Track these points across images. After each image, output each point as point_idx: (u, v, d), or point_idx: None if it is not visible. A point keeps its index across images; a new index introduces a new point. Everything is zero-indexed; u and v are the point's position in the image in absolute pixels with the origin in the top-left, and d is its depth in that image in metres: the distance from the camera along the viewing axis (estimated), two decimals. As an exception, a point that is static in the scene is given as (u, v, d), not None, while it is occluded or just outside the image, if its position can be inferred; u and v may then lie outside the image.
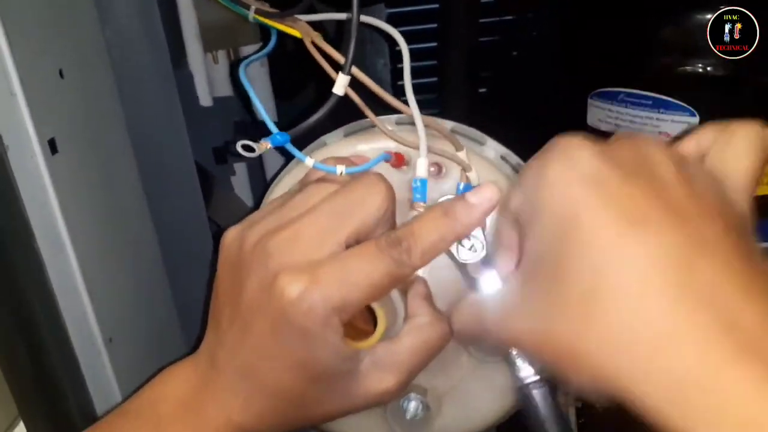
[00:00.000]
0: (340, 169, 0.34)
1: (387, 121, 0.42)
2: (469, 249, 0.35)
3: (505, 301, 0.30)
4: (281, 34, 0.42)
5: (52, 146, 0.37)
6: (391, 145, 0.39)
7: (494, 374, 0.40)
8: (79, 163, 0.40)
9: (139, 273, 0.47)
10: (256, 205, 0.65)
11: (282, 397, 0.33)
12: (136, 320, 0.46)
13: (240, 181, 0.63)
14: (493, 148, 0.42)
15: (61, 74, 0.38)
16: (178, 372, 0.36)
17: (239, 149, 0.33)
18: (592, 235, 0.24)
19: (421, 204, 0.35)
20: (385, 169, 0.37)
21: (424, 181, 0.35)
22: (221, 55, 0.60)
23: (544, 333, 0.27)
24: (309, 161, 0.35)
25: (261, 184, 0.65)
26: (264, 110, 0.36)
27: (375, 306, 0.33)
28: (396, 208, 0.34)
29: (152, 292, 0.49)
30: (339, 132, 0.42)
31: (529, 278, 0.29)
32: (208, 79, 0.58)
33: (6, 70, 0.34)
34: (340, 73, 0.34)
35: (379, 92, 0.36)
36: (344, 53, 0.34)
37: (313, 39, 0.37)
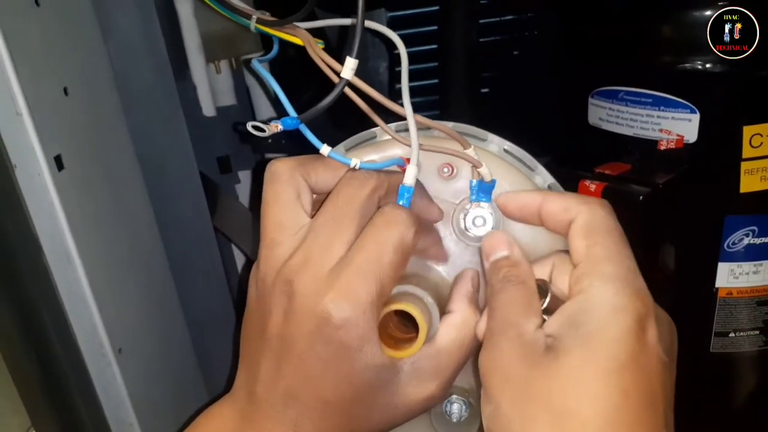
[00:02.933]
0: (355, 162, 0.34)
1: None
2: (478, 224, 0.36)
3: (509, 352, 0.31)
4: (283, 41, 0.43)
5: (58, 163, 0.37)
6: (398, 153, 0.39)
7: None
8: (85, 178, 0.41)
9: (147, 283, 0.48)
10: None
11: (328, 418, 0.33)
12: (144, 330, 0.47)
13: (245, 190, 0.64)
14: (495, 143, 0.42)
15: (65, 92, 0.39)
16: (216, 412, 0.36)
17: (250, 129, 0.33)
18: (612, 387, 0.28)
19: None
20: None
21: (410, 189, 0.34)
22: (223, 65, 0.60)
23: (518, 400, 0.30)
24: (325, 149, 0.34)
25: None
26: (282, 92, 0.35)
27: (414, 313, 0.32)
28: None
29: (160, 301, 0.50)
30: (339, 147, 0.42)
31: (544, 364, 0.30)
32: (210, 89, 0.59)
33: (11, 91, 0.34)
34: (347, 56, 0.34)
35: (379, 98, 0.36)
36: (350, 37, 0.34)
37: (313, 47, 0.38)
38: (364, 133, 0.42)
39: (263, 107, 0.62)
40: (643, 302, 0.29)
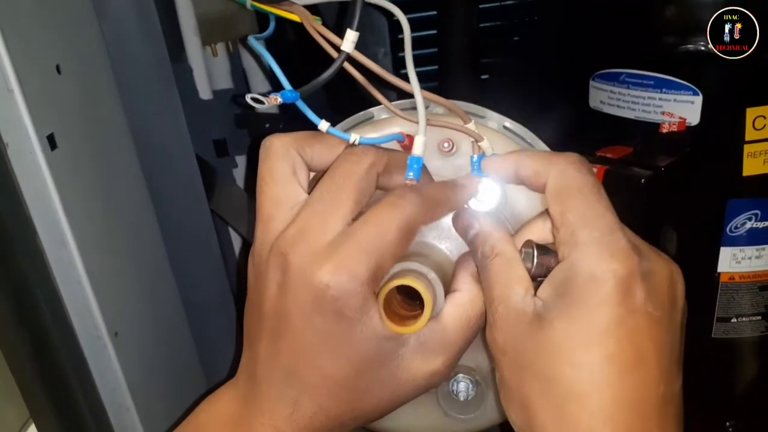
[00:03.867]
0: (354, 137, 0.34)
1: (382, 109, 0.41)
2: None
3: (503, 324, 0.32)
4: (280, 21, 0.42)
5: (51, 142, 0.37)
6: (396, 130, 0.38)
7: None
8: (79, 157, 0.40)
9: (143, 266, 0.48)
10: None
11: (330, 394, 0.32)
12: (140, 313, 0.46)
13: (241, 174, 0.64)
14: (494, 119, 0.42)
15: (58, 70, 0.38)
16: (219, 396, 0.36)
17: (249, 101, 0.33)
18: (605, 351, 0.28)
19: (414, 182, 0.34)
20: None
21: (419, 160, 0.34)
22: (220, 47, 0.60)
23: (517, 369, 0.31)
24: (323, 125, 0.34)
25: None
26: (278, 67, 0.34)
27: (419, 288, 0.32)
28: None
29: (156, 284, 0.50)
30: (336, 128, 0.42)
31: (536, 331, 0.30)
32: (207, 72, 0.58)
33: (3, 68, 0.34)
34: (348, 29, 0.33)
35: (379, 71, 0.35)
36: (350, 9, 0.33)
37: (311, 23, 0.37)
38: (361, 113, 0.42)
39: (260, 90, 0.62)
40: (623, 264, 0.29)
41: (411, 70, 0.35)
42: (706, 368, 0.55)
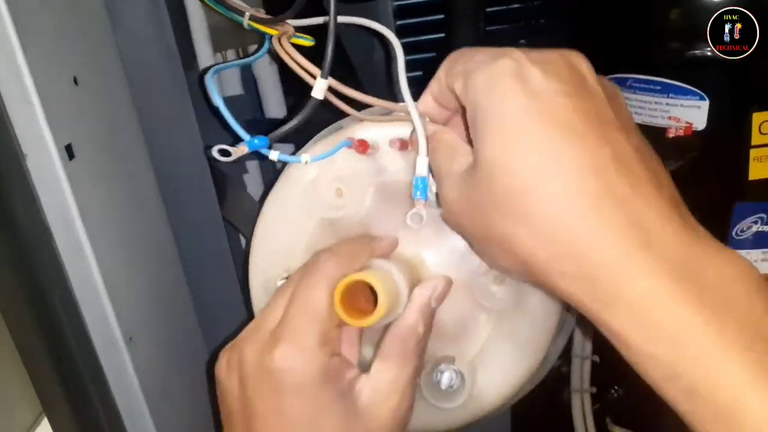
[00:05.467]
0: (305, 158, 0.36)
1: (352, 119, 0.42)
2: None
3: (453, 196, 0.32)
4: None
5: (69, 152, 0.38)
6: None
7: (517, 327, 0.40)
8: (96, 166, 0.41)
9: (157, 273, 0.48)
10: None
11: None
12: (155, 319, 0.47)
13: (253, 180, 0.64)
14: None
15: (75, 81, 0.39)
16: None
17: (215, 154, 0.34)
18: (531, 142, 0.28)
19: (422, 201, 0.35)
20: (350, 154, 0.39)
21: (424, 179, 0.35)
22: (230, 54, 0.60)
23: (484, 228, 0.30)
24: (273, 154, 0.36)
25: (273, 182, 0.66)
26: (234, 120, 0.36)
27: (372, 281, 0.33)
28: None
29: (170, 291, 0.50)
30: (309, 144, 0.43)
31: (474, 176, 0.30)
32: (218, 79, 0.59)
33: (22, 80, 0.34)
34: (318, 77, 0.35)
35: (363, 98, 0.37)
36: (323, 56, 0.35)
37: (286, 50, 0.38)
38: (332, 126, 0.43)
39: (271, 97, 0.62)
40: (509, 59, 0.29)
41: (405, 89, 0.36)
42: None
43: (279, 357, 0.32)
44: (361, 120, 0.40)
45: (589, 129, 0.27)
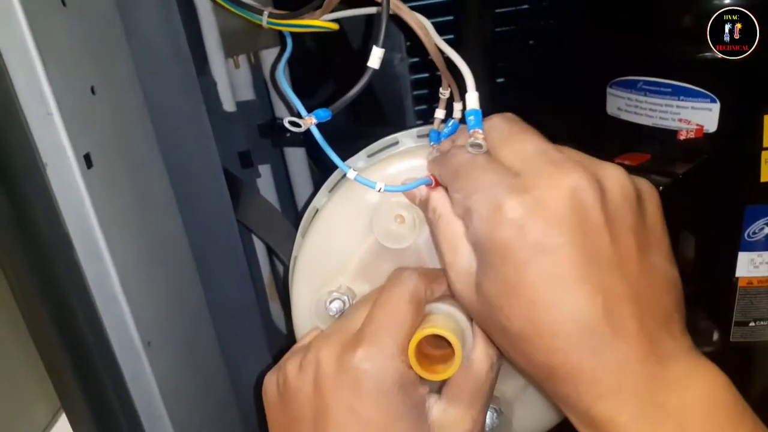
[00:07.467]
0: (380, 186, 0.35)
1: (408, 135, 0.42)
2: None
3: (461, 287, 0.33)
4: (296, 34, 0.43)
5: (87, 161, 0.38)
6: (422, 163, 0.38)
7: None
8: (113, 174, 0.41)
9: (174, 277, 0.49)
10: (282, 207, 0.66)
11: None
12: (172, 323, 0.47)
13: (265, 184, 0.65)
14: (408, 136, 0.43)
15: (92, 91, 0.39)
16: None
17: (287, 125, 0.34)
18: (525, 297, 0.29)
19: (479, 131, 0.33)
20: None
21: (478, 112, 0.34)
22: (242, 59, 0.61)
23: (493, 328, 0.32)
24: (351, 173, 0.35)
25: (286, 186, 0.67)
26: (299, 102, 0.36)
27: (450, 337, 0.33)
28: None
29: (186, 295, 0.51)
30: (361, 154, 0.43)
31: (479, 292, 0.31)
32: (230, 84, 0.59)
33: (42, 92, 0.35)
34: (374, 46, 0.34)
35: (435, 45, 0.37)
36: (376, 27, 0.35)
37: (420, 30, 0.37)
38: (387, 138, 0.42)
39: (282, 102, 0.63)
40: (506, 206, 0.29)
41: (447, 48, 0.37)
42: (724, 372, 0.55)
43: (361, 357, 0.32)
44: (417, 136, 0.40)
45: (583, 280, 0.28)
